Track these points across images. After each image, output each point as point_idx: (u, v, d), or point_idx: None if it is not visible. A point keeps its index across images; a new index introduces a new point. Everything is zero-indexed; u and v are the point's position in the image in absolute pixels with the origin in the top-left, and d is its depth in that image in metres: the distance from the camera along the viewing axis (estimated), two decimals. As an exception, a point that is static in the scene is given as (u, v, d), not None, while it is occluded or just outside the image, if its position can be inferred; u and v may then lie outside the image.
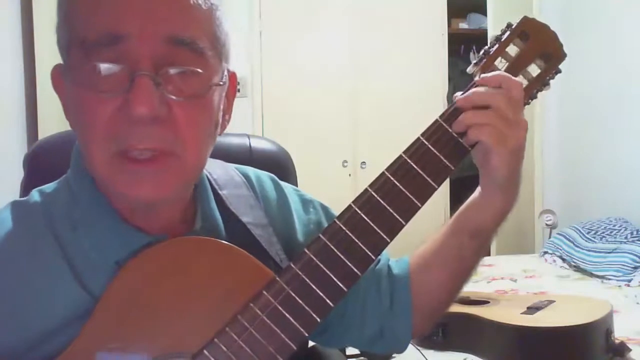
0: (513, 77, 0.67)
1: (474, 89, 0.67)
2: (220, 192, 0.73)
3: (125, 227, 0.64)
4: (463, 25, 4.02)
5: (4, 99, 2.31)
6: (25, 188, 0.90)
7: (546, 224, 3.17)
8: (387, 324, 0.78)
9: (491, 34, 3.27)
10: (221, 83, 0.63)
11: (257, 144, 1.01)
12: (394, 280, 0.79)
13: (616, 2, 2.97)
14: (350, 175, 3.51)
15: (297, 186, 0.88)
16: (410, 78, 3.57)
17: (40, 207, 0.66)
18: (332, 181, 3.35)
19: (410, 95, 3.55)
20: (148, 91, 0.56)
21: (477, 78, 0.68)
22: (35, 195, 0.67)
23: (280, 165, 0.99)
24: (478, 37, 3.78)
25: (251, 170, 0.81)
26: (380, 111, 3.52)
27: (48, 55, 2.39)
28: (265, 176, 0.81)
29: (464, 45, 4.07)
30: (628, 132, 2.90)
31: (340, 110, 3.51)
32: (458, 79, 3.99)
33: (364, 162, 3.51)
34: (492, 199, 0.71)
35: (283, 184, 0.82)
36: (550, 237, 3.02)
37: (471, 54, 4.36)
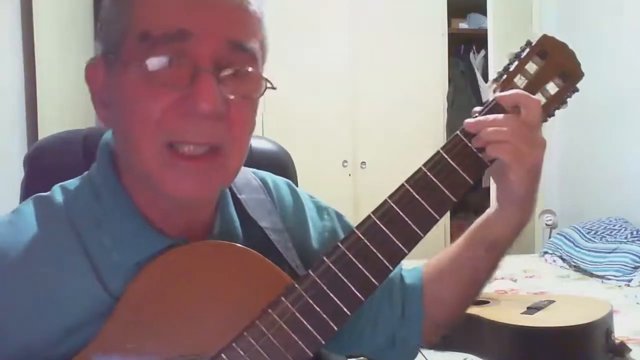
0: (531, 96, 0.68)
1: (483, 117, 0.67)
2: (239, 196, 0.74)
3: (148, 230, 0.64)
4: (463, 25, 4.02)
5: (4, 99, 2.31)
6: (26, 188, 0.90)
7: (546, 224, 3.17)
8: (398, 333, 0.78)
9: (491, 34, 3.27)
10: (268, 86, 0.65)
11: (257, 144, 1.01)
12: (406, 289, 0.79)
13: (616, 3, 2.97)
14: (350, 175, 3.51)
15: (297, 186, 0.88)
16: (410, 78, 3.57)
17: (63, 204, 0.66)
18: (332, 181, 3.35)
19: (410, 95, 3.55)
20: (212, 88, 0.58)
21: (496, 94, 0.69)
22: (57, 191, 0.67)
23: (280, 165, 0.99)
24: (478, 37, 3.78)
25: (268, 175, 0.81)
26: (380, 111, 3.52)
27: (48, 55, 2.38)
28: (281, 182, 0.82)
29: (464, 45, 4.06)
30: (628, 132, 2.89)
31: (340, 110, 3.51)
32: (458, 79, 3.99)
33: (364, 162, 3.51)
34: (508, 214, 0.72)
35: (298, 190, 0.83)
36: (550, 237, 3.02)
37: (471, 54, 4.38)
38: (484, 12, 3.50)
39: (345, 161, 3.51)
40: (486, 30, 3.38)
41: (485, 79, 3.76)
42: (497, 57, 3.18)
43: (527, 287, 2.22)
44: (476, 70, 4.03)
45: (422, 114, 3.59)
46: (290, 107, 3.42)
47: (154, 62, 0.58)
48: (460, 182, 0.66)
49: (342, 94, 3.51)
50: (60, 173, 0.71)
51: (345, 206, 3.01)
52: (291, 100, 3.41)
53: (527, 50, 0.71)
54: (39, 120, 2.36)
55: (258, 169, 0.82)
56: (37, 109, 2.36)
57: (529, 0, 3.38)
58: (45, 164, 0.92)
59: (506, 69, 0.71)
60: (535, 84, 0.71)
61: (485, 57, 3.74)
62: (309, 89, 3.45)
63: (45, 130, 2.25)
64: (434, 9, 3.63)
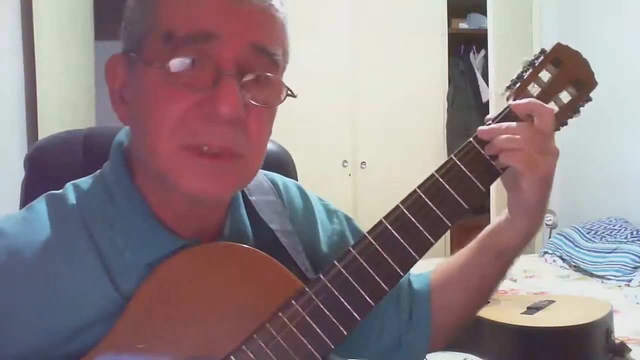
0: (545, 105, 0.68)
1: (497, 124, 0.67)
2: (250, 197, 0.74)
3: (160, 230, 0.64)
4: (463, 25, 4.02)
5: (4, 99, 2.31)
6: (26, 188, 0.90)
7: (546, 224, 3.17)
8: (404, 337, 0.78)
9: (491, 34, 3.27)
10: (288, 93, 0.65)
11: (258, 144, 1.01)
12: (414, 294, 0.80)
13: (616, 3, 2.97)
14: (350, 175, 3.50)
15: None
16: (410, 78, 3.57)
17: (76, 203, 0.66)
18: (332, 181, 3.35)
19: (410, 95, 3.55)
20: (235, 92, 0.58)
21: (510, 102, 0.69)
22: (70, 189, 0.67)
23: (280, 165, 0.99)
24: (478, 37, 3.78)
25: (278, 177, 0.81)
26: (380, 111, 3.52)
27: (48, 55, 2.38)
28: (291, 184, 0.82)
29: (464, 45, 4.06)
30: (628, 132, 2.90)
31: (340, 110, 3.51)
32: (458, 79, 3.99)
33: (364, 162, 3.51)
34: (518, 222, 0.72)
35: (308, 192, 0.83)
36: (550, 237, 3.02)
37: (471, 54, 4.37)
38: (484, 12, 3.50)
39: (345, 161, 3.51)
40: (486, 30, 3.38)
41: (485, 79, 3.75)
42: (497, 57, 3.17)
43: (527, 287, 2.22)
44: (476, 70, 4.03)
45: (422, 114, 3.59)
46: (290, 107, 3.38)
47: (177, 63, 0.58)
48: (473, 189, 0.66)
49: (342, 94, 3.51)
50: (60, 173, 0.71)
51: (345, 206, 3.00)
52: (291, 100, 3.41)
53: (541, 58, 0.71)
54: (39, 120, 2.36)
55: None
56: (37, 109, 2.36)
57: (529, 0, 3.38)
58: (45, 164, 0.92)
59: (520, 76, 0.71)
60: (548, 93, 0.71)
61: (485, 57, 3.74)
62: (309, 89, 3.44)
63: (45, 130, 2.25)
64: (434, 9, 3.63)
